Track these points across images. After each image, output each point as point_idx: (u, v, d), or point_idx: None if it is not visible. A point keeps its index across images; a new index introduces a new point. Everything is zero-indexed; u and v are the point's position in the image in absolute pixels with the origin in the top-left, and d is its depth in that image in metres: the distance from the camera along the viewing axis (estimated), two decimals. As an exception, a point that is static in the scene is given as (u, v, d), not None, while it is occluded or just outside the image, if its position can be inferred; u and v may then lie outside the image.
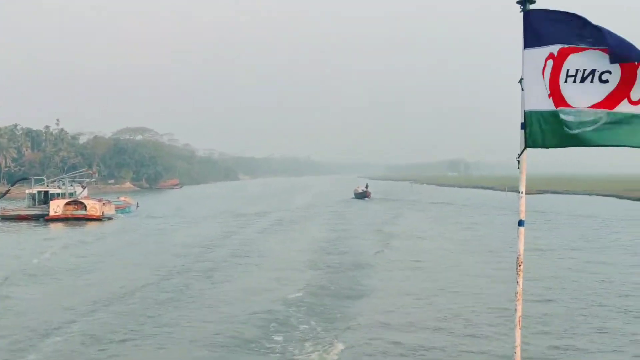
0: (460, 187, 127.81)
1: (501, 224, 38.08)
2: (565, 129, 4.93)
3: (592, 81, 4.82)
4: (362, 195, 75.87)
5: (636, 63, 4.71)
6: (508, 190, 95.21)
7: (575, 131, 4.90)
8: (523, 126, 5.15)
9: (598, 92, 4.81)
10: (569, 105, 4.91)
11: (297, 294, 16.87)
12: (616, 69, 4.77)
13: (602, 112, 4.80)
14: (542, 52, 5.03)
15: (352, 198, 76.99)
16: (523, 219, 5.23)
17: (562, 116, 4.92)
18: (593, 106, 4.82)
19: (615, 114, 4.78)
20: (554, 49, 4.97)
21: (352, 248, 27.26)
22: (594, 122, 4.82)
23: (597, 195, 78.88)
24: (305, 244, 28.98)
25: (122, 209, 53.58)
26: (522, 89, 5.14)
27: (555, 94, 4.96)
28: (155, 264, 22.93)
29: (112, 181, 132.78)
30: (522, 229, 5.25)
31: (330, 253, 25.60)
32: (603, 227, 37.07)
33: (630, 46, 4.71)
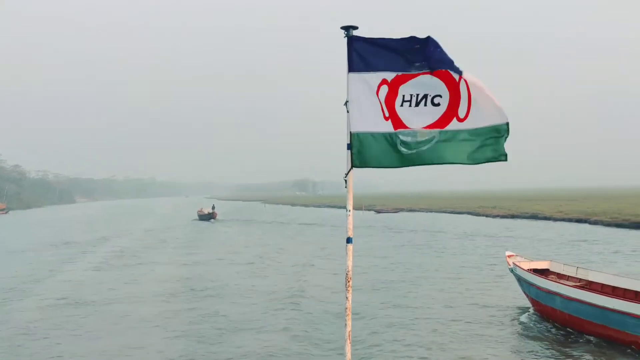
0: (314, 206, 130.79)
1: (384, 240, 40.00)
2: (403, 149, 5.39)
3: (425, 104, 5.36)
4: (208, 217, 75.82)
5: (457, 80, 5.29)
6: (365, 209, 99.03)
7: (413, 151, 5.38)
8: (349, 147, 5.48)
9: (431, 114, 5.35)
10: (406, 127, 5.38)
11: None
12: (445, 92, 5.34)
13: (435, 132, 5.34)
14: (373, 77, 5.43)
15: (197, 220, 77.19)
16: (351, 236, 5.51)
17: (402, 137, 5.38)
18: (427, 127, 5.35)
19: (446, 132, 5.33)
20: (388, 75, 5.41)
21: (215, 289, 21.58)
22: (429, 141, 5.34)
23: (454, 213, 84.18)
24: (155, 285, 22.81)
25: None
26: (348, 111, 5.48)
27: (393, 117, 5.40)
28: None
29: None
30: (350, 245, 5.53)
31: (191, 301, 19.37)
32: (450, 243, 40.02)
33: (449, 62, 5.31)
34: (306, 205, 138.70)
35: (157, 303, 19.11)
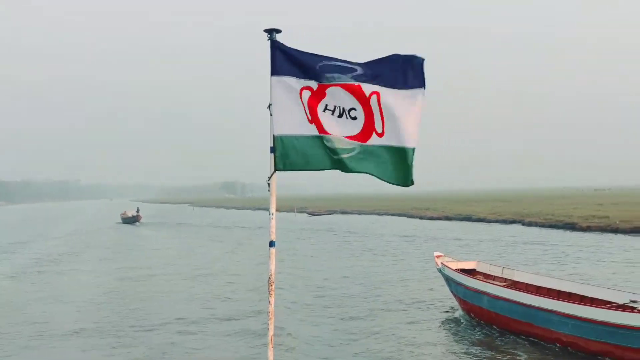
0: (244, 209, 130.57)
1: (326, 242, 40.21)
2: (329, 153, 5.62)
3: (345, 117, 5.59)
4: (132, 220, 75.33)
5: (367, 95, 5.53)
6: (297, 212, 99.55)
7: (337, 157, 5.60)
8: (272, 150, 5.67)
9: (352, 126, 5.57)
10: (328, 133, 5.59)
11: None
12: (359, 106, 5.57)
13: (356, 144, 5.57)
14: (296, 81, 5.62)
15: (120, 223, 76.58)
16: (274, 240, 5.69)
17: (326, 142, 5.59)
18: (349, 137, 5.58)
19: (367, 146, 5.57)
20: (311, 83, 5.61)
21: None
22: (350, 150, 5.57)
23: (387, 214, 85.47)
24: (78, 298, 21.23)
25: None
26: (271, 114, 5.68)
27: (316, 121, 5.61)
28: None
29: None
30: (273, 249, 5.71)
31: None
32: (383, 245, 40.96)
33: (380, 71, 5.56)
34: (237, 208, 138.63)
35: (78, 315, 18.74)
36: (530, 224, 56.49)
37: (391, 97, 5.53)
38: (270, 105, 5.69)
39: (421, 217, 76.00)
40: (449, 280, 18.20)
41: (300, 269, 28.08)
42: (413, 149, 5.62)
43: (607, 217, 52.23)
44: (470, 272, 18.33)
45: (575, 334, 13.14)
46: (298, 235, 51.40)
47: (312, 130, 5.63)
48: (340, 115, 5.58)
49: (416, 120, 5.58)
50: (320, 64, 5.59)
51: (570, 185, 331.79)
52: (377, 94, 5.54)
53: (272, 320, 5.73)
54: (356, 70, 5.58)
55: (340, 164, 5.63)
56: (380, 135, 5.59)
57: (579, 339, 13.11)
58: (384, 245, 40.43)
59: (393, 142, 5.59)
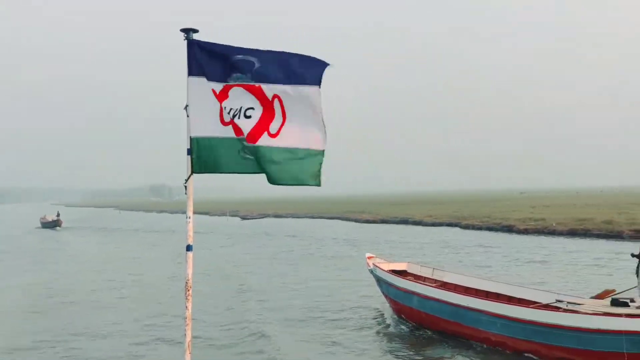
0: (174, 212, 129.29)
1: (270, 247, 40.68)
2: (246, 155, 5.71)
3: (239, 117, 5.63)
4: (53, 225, 73.85)
5: (270, 99, 5.62)
6: (230, 215, 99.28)
7: (252, 158, 5.69)
8: (189, 152, 5.75)
9: (245, 126, 5.61)
10: (237, 135, 5.67)
11: None
12: (258, 106, 5.65)
13: (250, 146, 5.61)
14: (209, 83, 5.69)
15: (39, 228, 75.02)
16: (191, 243, 5.77)
17: (222, 143, 5.70)
18: (247, 139, 5.61)
19: (257, 147, 5.59)
20: (219, 84, 5.68)
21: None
22: (253, 152, 5.64)
23: (322, 218, 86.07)
24: None
25: None
26: (188, 116, 5.74)
27: (220, 123, 5.71)
28: None
29: None
30: (190, 253, 5.78)
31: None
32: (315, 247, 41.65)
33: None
34: (166, 212, 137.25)
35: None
36: (467, 227, 57.80)
37: (293, 97, 5.61)
38: (187, 106, 5.75)
39: (357, 220, 76.87)
40: (380, 281, 18.68)
41: (233, 274, 28.14)
42: (321, 152, 5.75)
43: (544, 219, 53.90)
44: (401, 273, 18.85)
45: (504, 334, 13.73)
46: (234, 240, 51.31)
47: (229, 132, 5.71)
48: (240, 117, 5.65)
49: (319, 121, 5.66)
50: (229, 61, 5.66)
51: (491, 189, 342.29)
52: (279, 97, 5.63)
53: (190, 325, 5.79)
54: (254, 65, 5.63)
55: (255, 167, 5.73)
56: (274, 136, 5.65)
57: (507, 338, 13.70)
58: (320, 248, 40.92)
59: (290, 144, 5.66)
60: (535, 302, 14.66)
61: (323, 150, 5.76)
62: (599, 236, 43.22)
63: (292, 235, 53.83)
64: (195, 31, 5.81)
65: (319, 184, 5.78)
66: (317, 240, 48.21)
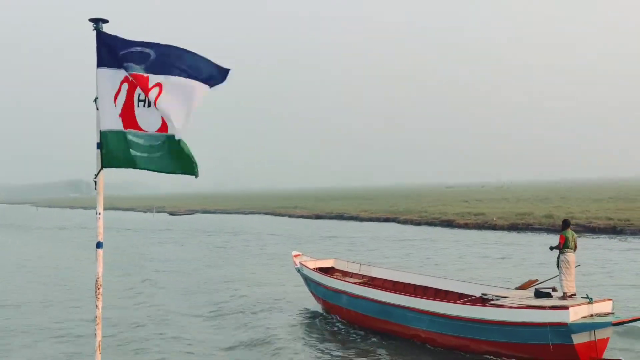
0: (92, 208, 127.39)
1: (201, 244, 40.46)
2: (133, 151, 5.70)
3: (155, 107, 5.61)
4: None
5: (149, 86, 5.59)
6: (156, 211, 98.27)
7: (145, 154, 5.70)
8: (99, 146, 5.76)
9: (157, 117, 5.63)
10: (140, 129, 5.69)
11: None
12: (153, 96, 5.61)
13: (164, 136, 5.65)
14: (117, 74, 5.71)
15: None
16: (101, 240, 5.79)
17: (131, 138, 5.69)
18: (158, 130, 5.66)
19: (169, 137, 5.62)
20: (123, 75, 5.70)
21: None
22: (160, 146, 5.67)
23: (253, 213, 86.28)
24: None
25: None
26: (97, 108, 5.75)
27: (128, 116, 5.69)
28: None
29: None
30: (100, 251, 5.81)
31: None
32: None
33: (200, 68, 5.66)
34: (84, 208, 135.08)
35: None
36: (405, 222, 58.60)
37: (172, 87, 5.64)
38: (96, 98, 5.78)
39: (290, 216, 77.18)
40: (307, 280, 19.06)
41: (162, 270, 28.26)
42: (178, 140, 5.67)
43: (483, 213, 55.06)
44: (329, 270, 19.37)
45: (432, 330, 14.34)
46: (164, 236, 51.02)
47: (119, 124, 5.76)
48: (149, 105, 5.67)
49: (189, 111, 5.63)
50: (129, 52, 5.69)
51: (413, 182, 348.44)
52: (160, 85, 5.64)
53: (100, 325, 5.82)
54: (150, 56, 5.69)
55: (148, 163, 5.77)
56: (164, 127, 5.69)
57: (435, 334, 14.31)
58: (252, 245, 41.20)
59: (169, 131, 5.66)
60: (462, 295, 15.46)
61: (179, 140, 5.66)
62: (541, 230, 44.62)
63: (228, 232, 53.86)
64: (105, 21, 5.82)
65: (195, 174, 5.73)
66: (251, 236, 48.56)
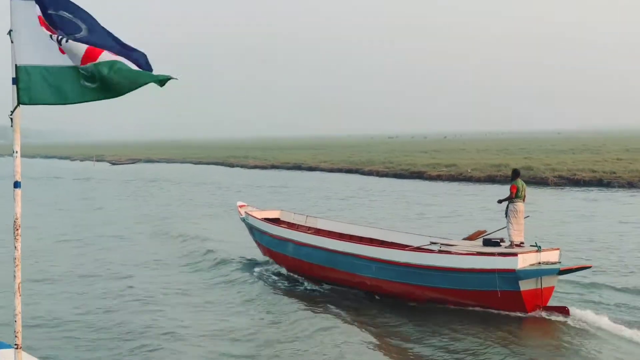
0: (28, 157, 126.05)
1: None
2: (85, 82, 5.92)
3: (76, 41, 5.85)
4: None
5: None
6: (96, 160, 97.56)
7: (94, 85, 5.91)
8: (15, 81, 5.91)
9: (79, 49, 5.82)
10: (62, 63, 5.91)
11: None
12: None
13: (91, 66, 5.82)
14: (34, 6, 5.86)
15: None
16: (19, 180, 6.08)
17: (53, 71, 5.92)
18: (83, 62, 5.84)
19: (97, 64, 5.80)
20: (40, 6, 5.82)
21: None
22: (95, 75, 5.84)
23: (201, 164, 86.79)
24: None
25: None
26: (12, 42, 5.88)
27: (46, 49, 5.90)
28: None
29: None
30: (18, 190, 6.08)
31: None
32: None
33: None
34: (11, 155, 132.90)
35: None
36: (370, 174, 58.92)
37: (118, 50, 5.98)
38: (10, 31, 5.91)
39: (243, 166, 77.40)
40: (252, 230, 19.92)
41: (116, 222, 29.23)
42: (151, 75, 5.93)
43: (455, 165, 55.52)
44: (275, 222, 20.13)
45: (379, 277, 15.23)
46: (110, 186, 51.16)
47: (66, 60, 5.91)
48: (67, 40, 5.85)
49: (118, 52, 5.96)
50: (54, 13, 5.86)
51: (353, 134, 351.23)
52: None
53: (19, 267, 6.07)
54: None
55: (95, 93, 6.00)
56: (114, 54, 5.93)
57: (382, 281, 15.21)
58: (203, 196, 42.44)
59: (121, 64, 5.90)
60: (409, 246, 16.16)
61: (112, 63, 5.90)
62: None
63: (177, 183, 54.98)
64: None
65: (162, 84, 5.88)
66: (216, 187, 49.89)
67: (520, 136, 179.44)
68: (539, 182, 44.60)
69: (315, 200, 38.66)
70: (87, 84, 5.96)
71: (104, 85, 5.92)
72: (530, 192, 36.99)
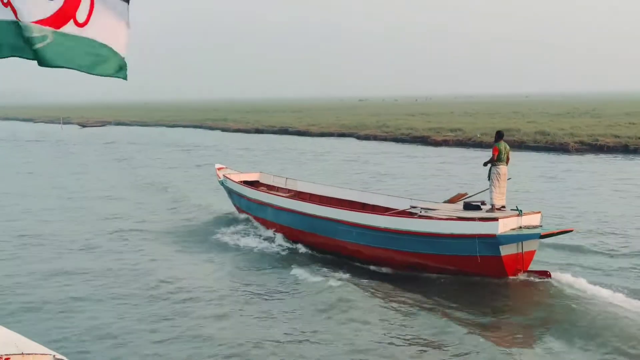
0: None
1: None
2: (24, 41, 5.58)
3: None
4: None
5: None
6: (63, 123, 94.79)
7: (32, 47, 5.56)
8: None
9: (44, 9, 5.58)
10: (18, 19, 5.57)
11: None
12: None
13: (47, 30, 5.64)
14: None
15: None
16: None
17: (21, 29, 5.51)
18: (38, 22, 5.57)
19: (61, 34, 5.68)
20: None
21: None
22: (41, 39, 5.59)
23: (179, 126, 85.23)
24: None
25: None
26: None
27: (11, 5, 5.52)
28: None
29: None
30: None
31: None
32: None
33: None
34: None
35: None
36: (367, 138, 57.01)
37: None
38: None
39: (223, 129, 75.35)
40: (231, 193, 20.41)
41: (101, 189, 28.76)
42: (123, 58, 5.84)
43: (461, 129, 53.18)
44: (253, 184, 20.62)
45: (359, 242, 15.56)
46: (80, 150, 48.93)
47: (9, 14, 5.61)
48: None
49: (125, 30, 5.84)
50: None
51: (314, 96, 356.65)
52: None
53: None
54: None
55: (37, 55, 5.64)
56: (81, 25, 5.70)
57: (362, 246, 15.54)
58: (177, 157, 42.75)
59: (98, 38, 5.77)
60: (389, 209, 16.61)
61: (123, 57, 5.87)
62: (538, 149, 43.05)
63: (161, 146, 53.63)
64: None
65: (124, 77, 5.84)
66: (216, 150, 48.82)
67: (494, 99, 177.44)
68: (558, 148, 42.25)
69: (349, 173, 33.61)
70: (28, 43, 5.62)
71: (50, 52, 5.64)
72: (552, 159, 35.63)
